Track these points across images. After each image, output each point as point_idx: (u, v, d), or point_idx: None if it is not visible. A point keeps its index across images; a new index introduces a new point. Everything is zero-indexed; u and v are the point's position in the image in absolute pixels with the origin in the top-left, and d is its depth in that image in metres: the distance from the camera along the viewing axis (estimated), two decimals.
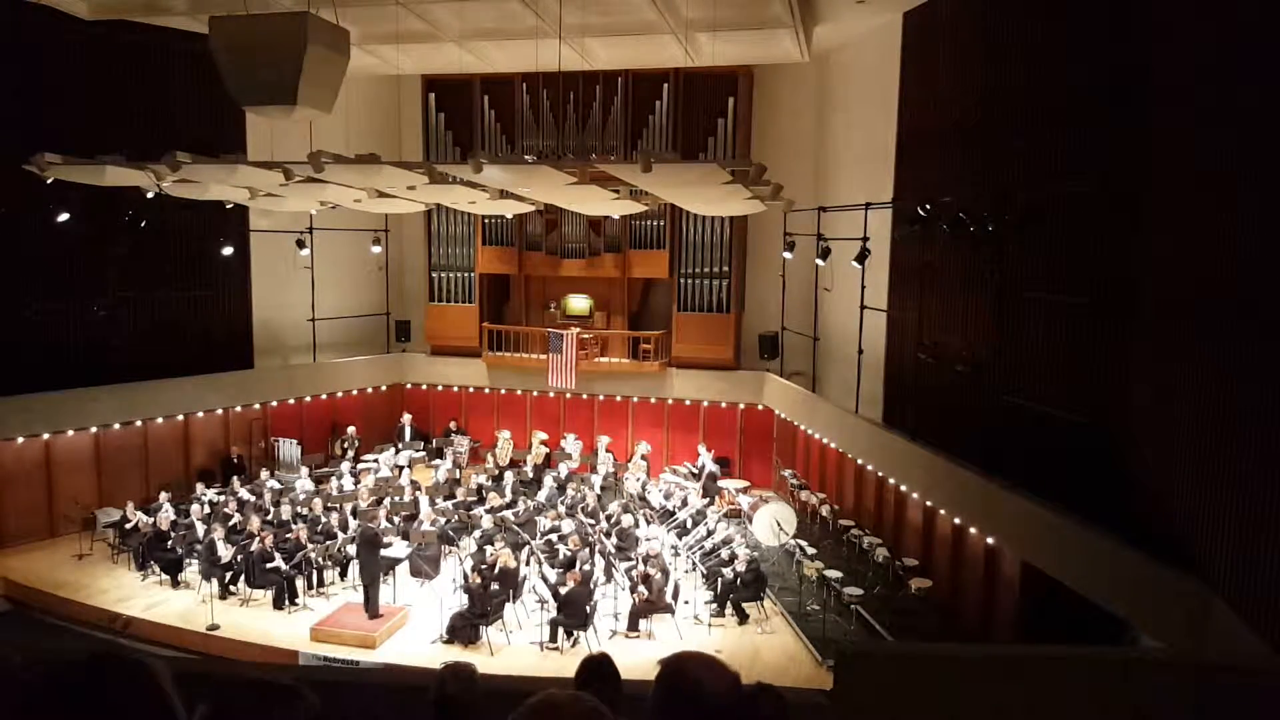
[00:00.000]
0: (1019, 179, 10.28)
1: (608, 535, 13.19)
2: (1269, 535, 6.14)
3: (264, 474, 15.91)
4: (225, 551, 12.34)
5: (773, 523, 13.32)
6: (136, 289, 15.25)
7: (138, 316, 15.38)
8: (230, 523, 13.10)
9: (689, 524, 14.15)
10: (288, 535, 12.65)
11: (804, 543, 13.28)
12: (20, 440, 14.10)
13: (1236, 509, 6.59)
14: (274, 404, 17.65)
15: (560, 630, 11.16)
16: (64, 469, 14.77)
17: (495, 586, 11.42)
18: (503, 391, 19.25)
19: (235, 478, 15.22)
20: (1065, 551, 8.75)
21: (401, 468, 16.63)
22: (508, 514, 13.96)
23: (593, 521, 13.76)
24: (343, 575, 13.00)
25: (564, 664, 10.54)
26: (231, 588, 12.38)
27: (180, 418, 16.09)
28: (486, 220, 18.57)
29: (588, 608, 11.13)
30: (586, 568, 11.71)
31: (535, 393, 18.88)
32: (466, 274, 19.16)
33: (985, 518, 10.44)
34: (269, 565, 12.08)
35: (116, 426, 15.13)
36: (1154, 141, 8.18)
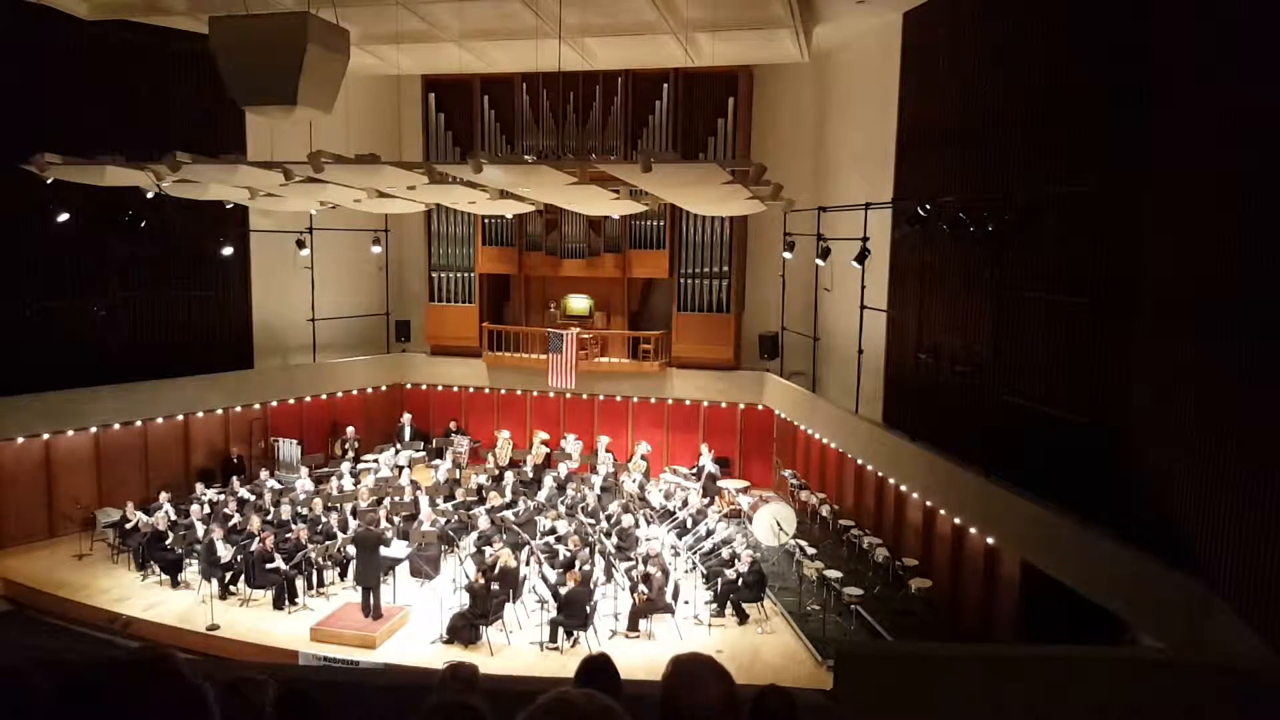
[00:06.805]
0: (1019, 179, 10.27)
1: (608, 535, 13.19)
2: (1269, 535, 6.14)
3: (264, 474, 15.92)
4: (225, 551, 12.34)
5: (773, 523, 13.31)
6: (136, 289, 15.25)
7: (138, 316, 15.36)
8: (230, 523, 13.11)
9: (689, 524, 14.15)
10: (288, 535, 12.66)
11: (804, 543, 13.28)
12: (20, 440, 14.10)
13: (1236, 509, 6.59)
14: (274, 404, 17.65)
15: (560, 630, 11.16)
16: (64, 469, 14.77)
17: (495, 586, 11.43)
18: (503, 391, 19.26)
19: (235, 478, 15.23)
20: (1065, 551, 8.74)
21: (401, 468, 16.62)
22: (508, 514, 13.96)
23: (593, 521, 13.77)
24: (343, 575, 13.00)
25: (564, 664, 10.54)
26: (231, 588, 12.39)
27: (180, 418, 16.09)
28: (486, 220, 18.57)
29: (588, 608, 11.14)
30: (586, 568, 11.72)
31: (535, 393, 18.88)
32: (466, 274, 19.16)
33: (985, 518, 10.44)
34: (269, 565, 12.08)
35: (116, 426, 15.13)
36: (1154, 141, 8.18)
